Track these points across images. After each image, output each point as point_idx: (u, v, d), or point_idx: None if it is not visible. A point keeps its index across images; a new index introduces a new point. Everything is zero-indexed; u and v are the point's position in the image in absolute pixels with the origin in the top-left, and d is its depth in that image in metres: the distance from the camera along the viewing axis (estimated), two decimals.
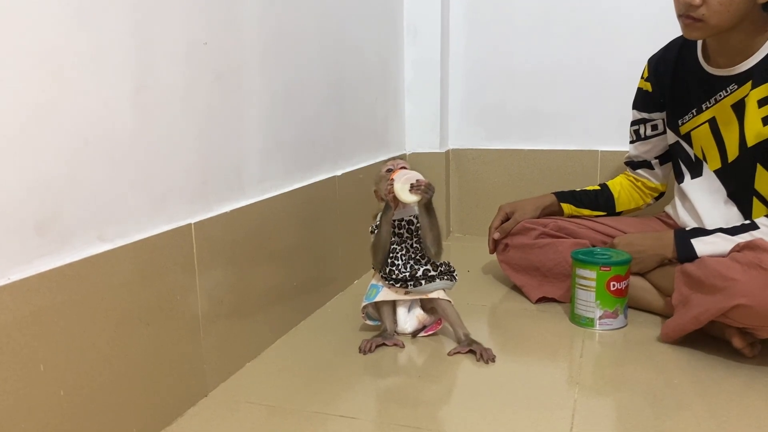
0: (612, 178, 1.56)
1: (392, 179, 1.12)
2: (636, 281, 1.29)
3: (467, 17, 1.95)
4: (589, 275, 1.22)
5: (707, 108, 1.27)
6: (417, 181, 1.11)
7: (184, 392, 0.95)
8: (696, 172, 1.33)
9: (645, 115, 1.43)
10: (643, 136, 1.45)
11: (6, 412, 0.67)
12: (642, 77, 1.43)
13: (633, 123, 1.47)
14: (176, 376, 0.92)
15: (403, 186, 1.10)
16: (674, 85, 1.34)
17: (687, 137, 1.33)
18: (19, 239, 0.69)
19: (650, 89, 1.40)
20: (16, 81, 0.68)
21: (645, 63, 1.44)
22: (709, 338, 1.15)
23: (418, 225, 1.17)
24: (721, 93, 1.24)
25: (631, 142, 1.49)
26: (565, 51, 1.86)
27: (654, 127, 1.43)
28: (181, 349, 0.93)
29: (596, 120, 1.85)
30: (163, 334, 0.89)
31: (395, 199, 1.12)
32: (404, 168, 1.17)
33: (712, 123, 1.27)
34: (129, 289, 0.83)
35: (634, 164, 1.50)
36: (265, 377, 1.06)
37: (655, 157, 1.46)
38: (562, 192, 1.52)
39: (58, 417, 0.73)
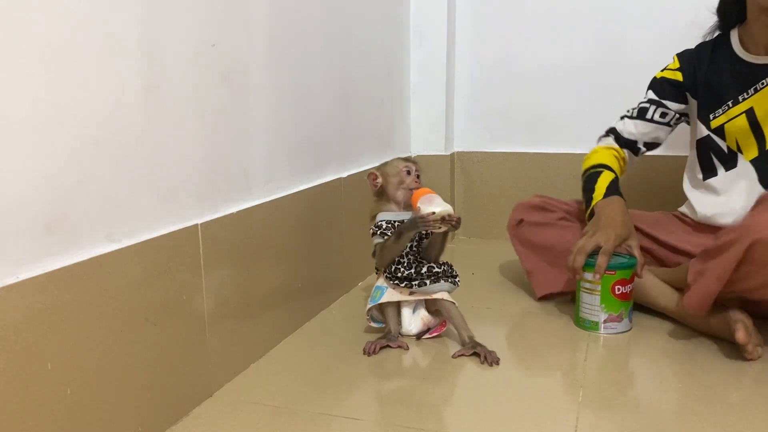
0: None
1: (420, 198, 1.12)
2: (647, 278, 1.27)
3: (473, 20, 1.96)
4: (593, 279, 1.22)
5: (744, 99, 1.28)
6: (449, 215, 1.10)
7: (190, 392, 0.95)
8: (731, 163, 1.32)
9: (662, 101, 1.40)
10: (649, 117, 1.41)
11: (14, 409, 0.67)
12: (668, 68, 1.41)
13: (645, 101, 1.42)
14: (182, 375, 0.93)
15: (437, 216, 1.10)
16: (709, 79, 1.34)
17: (719, 131, 1.32)
18: (28, 238, 0.70)
19: (681, 79, 1.38)
20: (25, 81, 0.69)
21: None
22: (714, 343, 1.15)
23: (424, 231, 1.19)
24: (764, 81, 1.25)
25: (630, 117, 1.43)
26: (571, 54, 1.87)
27: (663, 115, 1.40)
28: (187, 349, 0.94)
29: (601, 123, 1.84)
30: (169, 333, 0.90)
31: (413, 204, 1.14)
32: (418, 174, 1.21)
33: (750, 113, 1.28)
34: (136, 289, 0.83)
35: (620, 140, 1.44)
36: (269, 378, 1.06)
37: (645, 143, 1.43)
38: (615, 192, 1.35)
39: (65, 415, 0.73)
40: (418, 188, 1.17)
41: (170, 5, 0.89)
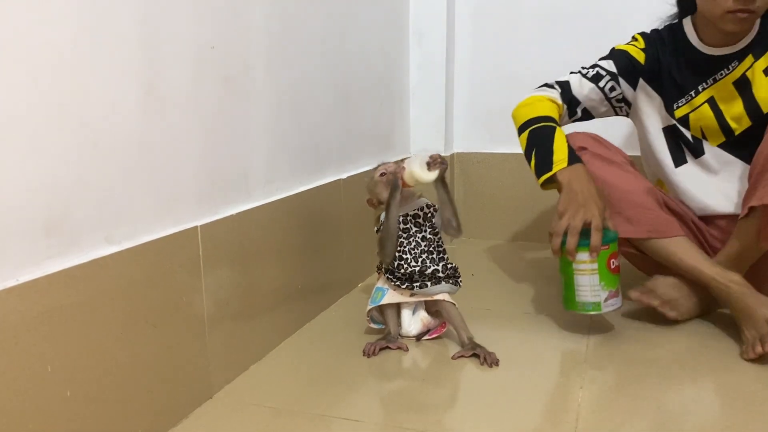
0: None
1: (403, 167, 1.14)
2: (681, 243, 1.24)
3: (473, 21, 1.96)
4: (589, 258, 1.16)
5: (704, 89, 1.29)
6: (430, 157, 1.12)
7: (190, 394, 0.95)
8: (698, 151, 1.33)
9: (618, 76, 1.34)
10: (601, 86, 1.35)
11: (14, 411, 0.67)
12: (633, 44, 1.35)
13: (601, 68, 1.35)
14: (182, 377, 0.93)
15: (421, 167, 1.11)
16: (670, 68, 1.32)
17: (684, 120, 1.32)
18: (27, 241, 0.70)
19: (643, 62, 1.33)
20: (25, 83, 0.69)
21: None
22: (717, 343, 1.16)
23: (428, 214, 1.19)
24: (722, 72, 1.27)
25: (585, 77, 1.35)
26: (570, 55, 1.85)
27: (612, 89, 1.35)
28: (187, 350, 0.94)
29: (601, 123, 1.85)
30: (169, 335, 0.90)
31: (401, 181, 1.14)
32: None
33: (712, 102, 1.29)
34: (136, 291, 0.83)
35: (566, 95, 1.36)
36: (269, 379, 1.06)
37: (583, 110, 1.37)
38: (578, 158, 1.25)
39: (65, 417, 0.73)
40: (395, 170, 1.17)
41: (170, 8, 0.89)
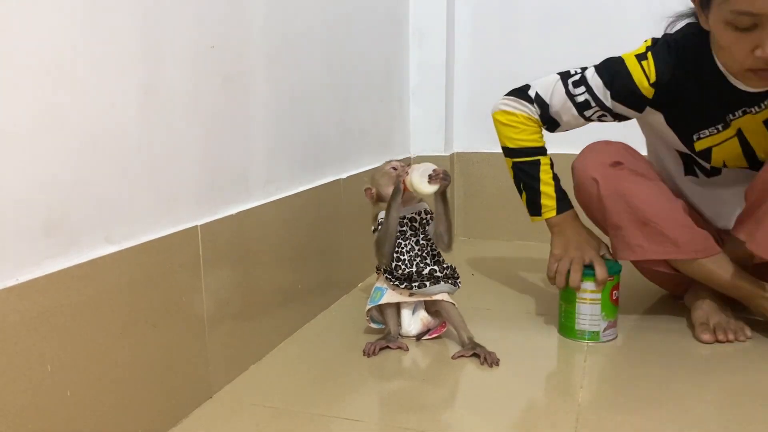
0: None
1: (407, 171, 1.14)
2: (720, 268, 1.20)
3: (473, 21, 1.96)
4: (594, 287, 1.18)
5: (731, 120, 1.16)
6: (434, 170, 1.12)
7: (189, 394, 0.95)
8: (714, 172, 1.27)
9: (613, 109, 1.22)
10: (587, 116, 1.25)
11: (14, 411, 0.67)
12: (644, 71, 1.16)
13: (592, 99, 1.22)
14: (181, 377, 0.93)
15: (421, 177, 1.11)
16: (692, 99, 1.17)
17: (704, 153, 1.22)
18: (27, 240, 0.70)
19: (650, 96, 1.18)
20: (25, 83, 0.69)
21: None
22: (718, 344, 1.15)
23: (423, 220, 1.19)
24: (753, 108, 1.14)
25: (570, 97, 1.23)
26: (571, 56, 1.85)
27: (601, 117, 1.25)
28: (187, 350, 0.94)
29: (601, 124, 1.86)
30: (169, 335, 0.90)
31: (405, 187, 1.14)
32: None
33: (741, 136, 1.18)
34: (135, 291, 0.83)
35: (545, 115, 1.27)
36: (269, 379, 1.06)
37: (564, 129, 1.31)
38: (567, 202, 1.28)
39: (65, 417, 0.73)
40: (399, 171, 1.18)
41: (170, 8, 0.89)
